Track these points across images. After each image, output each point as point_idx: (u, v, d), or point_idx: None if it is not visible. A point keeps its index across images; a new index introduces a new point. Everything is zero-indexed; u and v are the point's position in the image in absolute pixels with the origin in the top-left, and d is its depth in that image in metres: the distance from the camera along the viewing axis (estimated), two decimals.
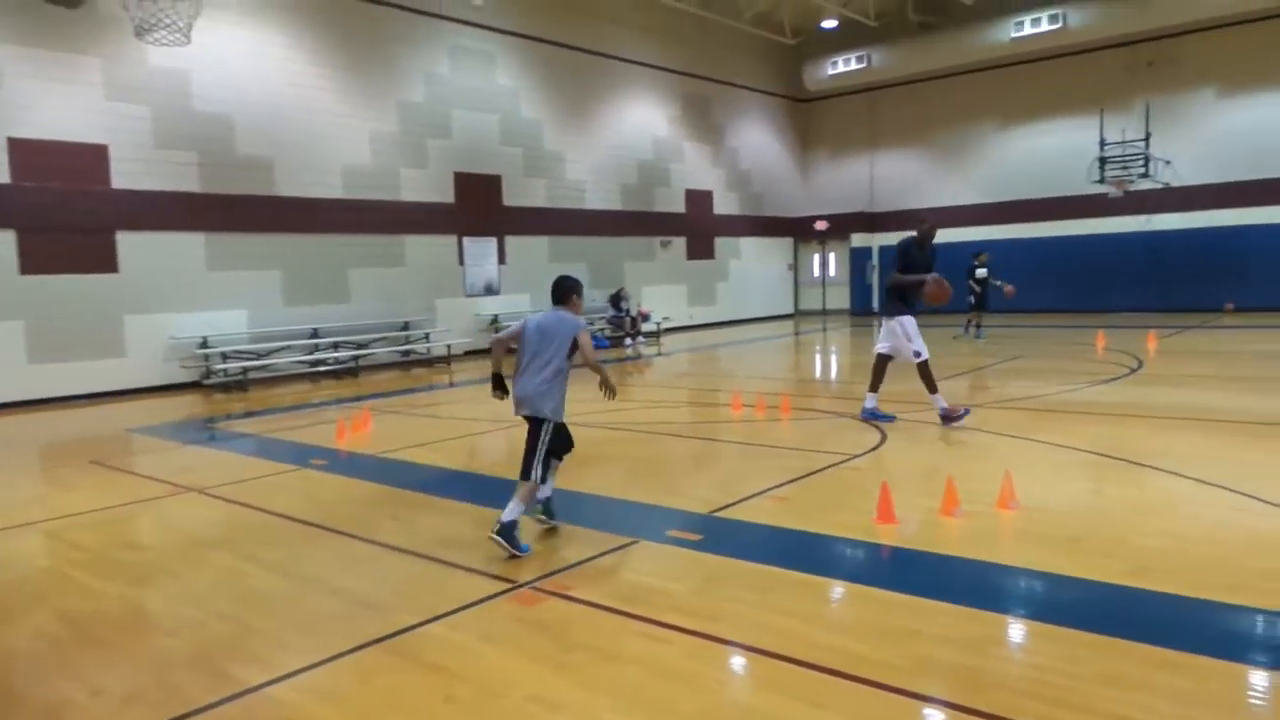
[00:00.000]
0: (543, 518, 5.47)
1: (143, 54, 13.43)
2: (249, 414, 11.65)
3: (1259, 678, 3.21)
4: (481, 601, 4.24)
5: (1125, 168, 21.61)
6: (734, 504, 5.81)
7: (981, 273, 17.89)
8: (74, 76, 13.02)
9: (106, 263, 13.44)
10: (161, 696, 3.39)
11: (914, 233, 8.98)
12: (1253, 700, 3.10)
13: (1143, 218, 22.55)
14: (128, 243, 13.64)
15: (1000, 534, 5.00)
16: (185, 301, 14.27)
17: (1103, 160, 21.63)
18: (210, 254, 14.59)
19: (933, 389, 8.35)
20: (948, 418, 8.20)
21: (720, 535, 5.22)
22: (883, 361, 8.81)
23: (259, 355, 14.88)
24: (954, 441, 7.69)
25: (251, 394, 13.71)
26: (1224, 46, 21.26)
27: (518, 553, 4.85)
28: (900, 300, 8.75)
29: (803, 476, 6.51)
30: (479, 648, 3.72)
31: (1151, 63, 22.19)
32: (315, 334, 15.83)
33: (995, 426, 8.18)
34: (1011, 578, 4.33)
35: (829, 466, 6.82)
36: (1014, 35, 22.64)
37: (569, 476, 6.98)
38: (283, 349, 15.27)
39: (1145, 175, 21.46)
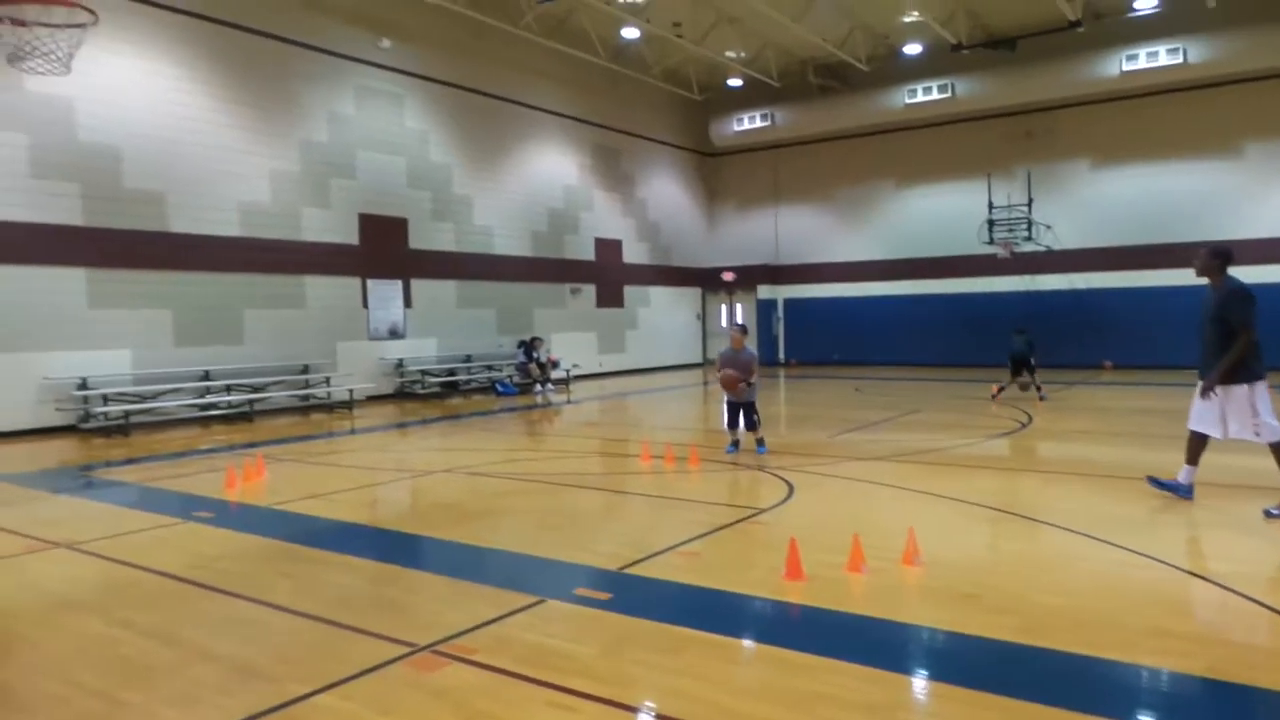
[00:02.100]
0: None
1: (20, 78, 12.72)
2: (130, 461, 10.94)
3: None
4: (378, 668, 4.02)
5: (1011, 230, 22.93)
6: (643, 560, 5.73)
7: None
8: None
9: None
10: None
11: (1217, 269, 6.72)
12: None
13: (1027, 278, 23.86)
14: None
15: (904, 591, 5.07)
16: (63, 340, 13.40)
17: (991, 222, 22.91)
18: (93, 291, 13.80)
19: None
20: None
21: (629, 594, 5.12)
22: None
23: (144, 398, 14.06)
24: (859, 496, 7.83)
25: (134, 439, 12.91)
26: (1097, 121, 22.91)
27: None
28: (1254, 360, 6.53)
29: (712, 531, 6.49)
30: (373, 719, 3.51)
31: (1030, 133, 23.70)
32: (207, 376, 15.10)
33: (898, 480, 8.38)
34: (915, 636, 4.38)
35: (738, 521, 6.83)
36: (907, 101, 23.89)
37: (471, 530, 6.78)
38: (171, 391, 14.49)
39: (1029, 238, 22.80)
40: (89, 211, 13.75)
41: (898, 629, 4.46)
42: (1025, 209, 23.12)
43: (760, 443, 10.24)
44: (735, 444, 10.29)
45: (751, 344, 10.85)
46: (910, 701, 3.68)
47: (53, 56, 6.98)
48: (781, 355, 28.17)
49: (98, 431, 13.32)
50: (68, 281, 13.53)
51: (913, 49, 23.36)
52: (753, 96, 26.33)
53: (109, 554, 6.25)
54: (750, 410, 10.24)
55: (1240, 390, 6.47)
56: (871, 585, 5.13)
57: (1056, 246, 23.33)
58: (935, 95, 23.39)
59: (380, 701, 3.68)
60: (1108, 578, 5.23)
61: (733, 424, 10.35)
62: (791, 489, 7.98)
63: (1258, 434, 6.48)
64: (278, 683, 3.88)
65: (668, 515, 7.29)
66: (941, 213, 25.14)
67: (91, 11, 7.42)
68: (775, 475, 8.68)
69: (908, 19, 21.11)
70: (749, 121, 26.84)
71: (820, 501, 7.58)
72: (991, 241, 23.16)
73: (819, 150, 27.22)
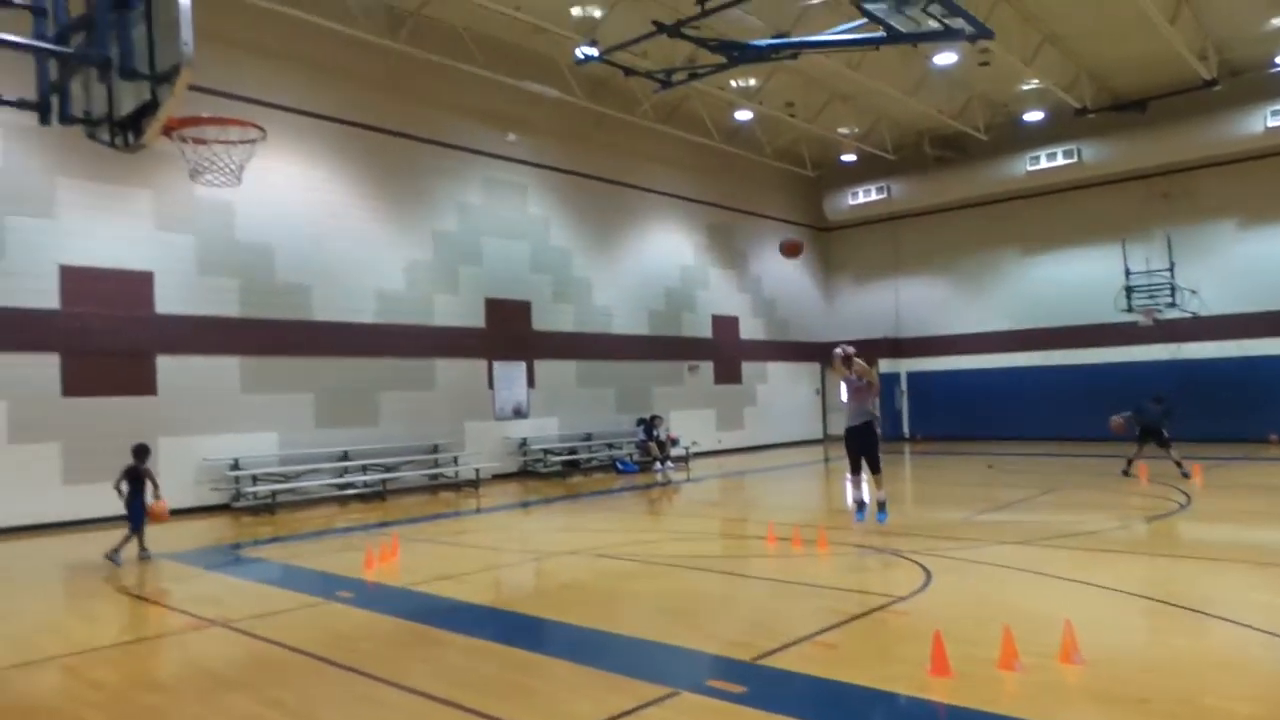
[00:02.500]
0: None
1: (191, 186, 14.04)
2: (276, 539, 11.51)
3: None
4: None
5: (1152, 296, 21.70)
6: (777, 650, 5.55)
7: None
8: (125, 208, 13.61)
9: (145, 385, 13.66)
10: None
11: None
12: None
13: (1173, 346, 22.42)
14: (167, 366, 13.90)
15: (1066, 692, 4.70)
16: (218, 424, 14.38)
17: (1129, 289, 21.78)
18: (245, 377, 14.81)
19: None
20: None
21: (764, 687, 4.95)
22: None
23: (288, 478, 14.85)
24: (1004, 583, 7.39)
25: (279, 517, 13.60)
26: (1242, 179, 21.63)
27: None
28: None
29: (847, 620, 6.24)
30: None
31: (1167, 194, 22.57)
32: (345, 456, 15.83)
33: (1045, 566, 7.87)
34: None
35: (875, 609, 6.55)
36: (1030, 169, 23.26)
37: (598, 613, 6.75)
38: (312, 471, 15.25)
39: (1173, 304, 21.52)
40: (244, 304, 14.88)
41: None
42: (1167, 273, 21.87)
43: (882, 508, 9.80)
44: (861, 506, 9.92)
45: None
46: None
47: (227, 170, 7.70)
48: (906, 430, 27.28)
49: (248, 510, 14.11)
50: (224, 369, 14.59)
51: (1034, 115, 22.85)
52: (867, 170, 26.25)
53: (260, 633, 6.53)
54: (873, 443, 9.78)
55: None
56: (1028, 684, 4.78)
57: (1204, 312, 21.89)
58: (1060, 161, 22.69)
59: None
60: None
61: (856, 467, 9.89)
62: (929, 575, 7.61)
63: None
64: None
65: (799, 602, 7.07)
66: (1072, 280, 24.09)
67: (261, 129, 8.19)
68: (909, 559, 8.31)
69: (1027, 86, 20.74)
70: (864, 195, 26.70)
71: (962, 589, 7.18)
72: (1130, 309, 21.95)
73: (938, 220, 26.73)
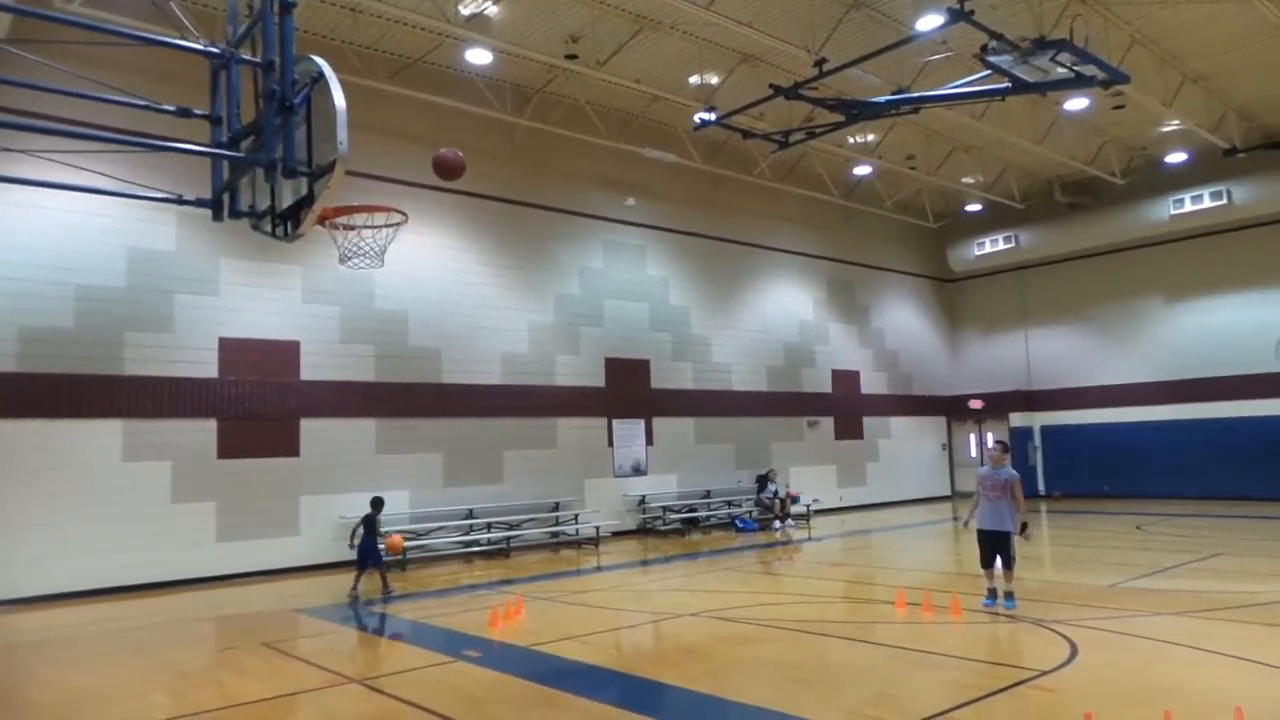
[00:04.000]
0: None
1: (335, 260, 15.04)
2: (407, 595, 11.92)
3: None
4: None
5: None
6: None
7: None
8: (278, 283, 14.70)
9: (289, 447, 14.56)
10: None
11: None
12: None
13: None
14: (309, 428, 14.78)
15: None
16: (355, 482, 15.11)
17: None
18: (380, 438, 15.56)
19: None
20: None
21: None
22: None
23: (419, 535, 15.41)
24: (1162, 659, 6.85)
25: (410, 574, 14.09)
26: None
27: None
28: None
29: (984, 696, 5.93)
30: None
31: None
32: (470, 514, 16.31)
33: (1207, 640, 7.25)
34: None
35: (1014, 684, 6.19)
36: (1173, 213, 22.02)
37: (721, 681, 6.65)
38: (440, 529, 15.78)
39: None
40: (380, 369, 15.71)
41: None
42: None
43: (1009, 596, 9.04)
44: (993, 593, 9.26)
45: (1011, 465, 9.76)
46: None
47: (372, 253, 8.26)
48: (1041, 487, 25.84)
49: (378, 567, 14.66)
50: (361, 430, 15.38)
51: (1176, 157, 21.72)
52: (993, 219, 25.49)
53: (395, 692, 6.76)
54: (1005, 544, 9.20)
55: None
56: None
57: None
58: (1207, 203, 21.36)
59: None
60: None
61: (987, 562, 9.33)
62: (1074, 647, 7.15)
63: None
64: None
65: (930, 673, 6.76)
66: (1222, 328, 22.48)
67: (404, 213, 8.80)
68: (1051, 629, 7.83)
69: (1168, 128, 19.76)
70: (990, 245, 25.87)
71: (1113, 664, 6.69)
72: None
73: (1071, 269, 25.57)
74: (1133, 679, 6.36)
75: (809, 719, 5.64)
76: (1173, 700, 5.24)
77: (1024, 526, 9.22)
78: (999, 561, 9.19)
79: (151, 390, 13.28)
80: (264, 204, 5.99)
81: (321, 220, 7.74)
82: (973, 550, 9.56)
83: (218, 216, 5.89)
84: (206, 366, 13.85)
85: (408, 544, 14.88)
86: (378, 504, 12.29)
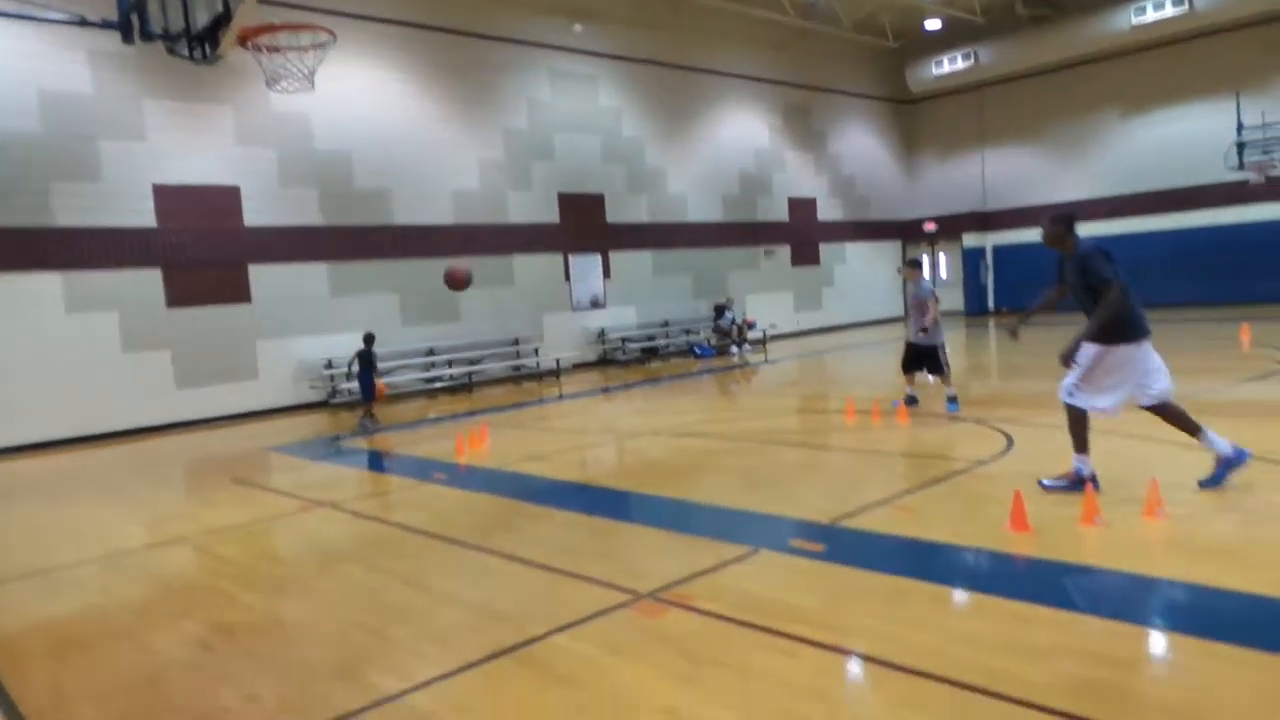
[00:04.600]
0: None
1: (268, 100, 14.25)
2: (361, 433, 12.13)
3: None
4: (605, 612, 4.27)
5: (1266, 152, 20.15)
6: (856, 513, 5.67)
7: None
8: (209, 125, 13.96)
9: (240, 294, 14.32)
10: (310, 704, 3.55)
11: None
12: None
13: None
14: (258, 274, 14.49)
15: (1148, 544, 4.70)
16: (311, 326, 15.03)
17: (1241, 145, 20.25)
18: (333, 281, 15.34)
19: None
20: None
21: (844, 545, 5.10)
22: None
23: (380, 374, 15.47)
24: (1091, 447, 7.28)
25: (376, 410, 14.26)
26: None
27: None
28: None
29: (926, 485, 6.31)
30: (605, 660, 3.74)
31: None
32: (431, 353, 16.40)
33: (1136, 429, 7.71)
34: (1163, 591, 4.06)
35: (954, 474, 6.58)
36: (1135, 21, 21.50)
37: (681, 487, 6.98)
38: (401, 368, 15.89)
39: None
40: (326, 212, 15.26)
41: (1143, 582, 4.15)
42: None
43: (952, 400, 9.42)
44: (912, 398, 9.81)
45: (929, 281, 10.17)
46: (1162, 656, 3.44)
47: (300, 76, 7.84)
48: (991, 304, 26.52)
49: (343, 405, 14.85)
50: (313, 275, 15.12)
51: None
52: (953, 36, 24.69)
53: (365, 512, 7.00)
54: (930, 356, 9.67)
55: (1122, 351, 5.55)
56: (1108, 538, 4.80)
57: None
58: (1169, 11, 20.82)
59: (610, 643, 3.91)
60: None
61: (907, 367, 9.90)
62: (1011, 441, 7.57)
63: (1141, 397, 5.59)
64: (517, 623, 4.22)
65: (877, 470, 7.15)
66: (1177, 140, 22.52)
67: (331, 32, 8.26)
68: (992, 428, 8.25)
69: None
70: (950, 63, 25.21)
71: (1045, 453, 7.11)
72: (1241, 166, 20.47)
73: (1030, 86, 25.13)
74: (1063, 463, 6.78)
75: (765, 513, 5.97)
76: (1098, 472, 5.62)
77: (924, 331, 9.73)
78: (923, 373, 9.82)
79: (88, 241, 12.83)
80: (178, 25, 5.58)
81: (242, 41, 7.26)
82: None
83: (128, 39, 5.50)
84: (144, 215, 13.35)
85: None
86: (369, 339, 12.34)
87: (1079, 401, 5.73)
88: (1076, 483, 5.67)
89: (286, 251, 14.78)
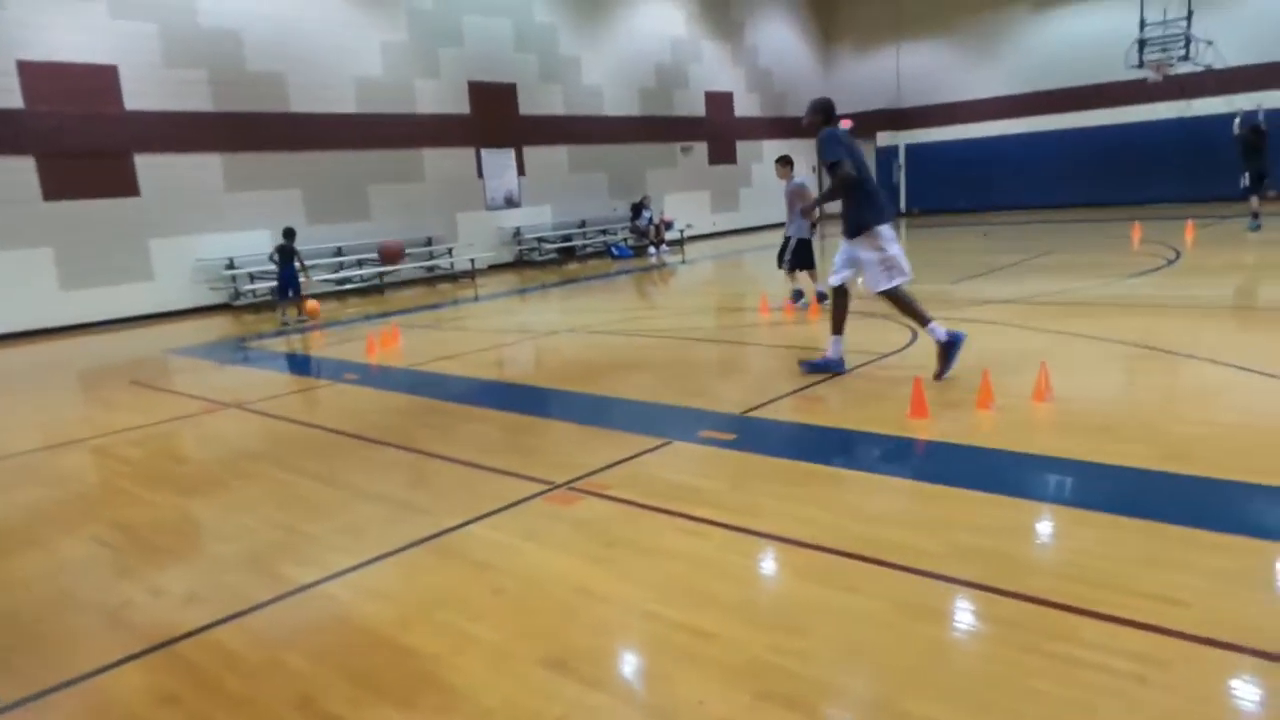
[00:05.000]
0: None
1: None
2: (278, 333, 11.77)
3: None
4: (520, 502, 4.32)
5: (1165, 50, 20.68)
6: (765, 404, 5.83)
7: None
8: None
9: (127, 186, 13.44)
10: (220, 596, 3.52)
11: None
12: None
13: (1182, 103, 21.69)
14: (145, 165, 13.60)
15: (1035, 425, 4.99)
16: (208, 223, 14.28)
17: (1142, 43, 20.71)
18: (228, 174, 14.52)
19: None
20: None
21: (753, 434, 5.25)
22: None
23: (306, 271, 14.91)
24: (987, 336, 7.61)
25: (278, 314, 13.80)
26: None
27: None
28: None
29: (834, 377, 6.50)
30: (521, 545, 3.81)
31: None
32: (339, 252, 15.84)
33: (1029, 321, 8.08)
34: (1046, 467, 4.33)
35: (860, 365, 6.80)
36: None
37: (597, 384, 7.03)
38: (309, 267, 15.29)
39: (1186, 58, 20.54)
40: (217, 97, 14.30)
41: (1029, 460, 4.42)
42: (1184, 24, 20.71)
43: (822, 297, 9.70)
44: (798, 293, 10.12)
45: (803, 176, 10.47)
46: (1046, 525, 3.69)
47: None
48: (903, 205, 27.02)
49: (247, 308, 14.31)
50: (206, 167, 14.27)
51: None
52: None
53: (274, 412, 6.84)
54: (801, 249, 10.00)
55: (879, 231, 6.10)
56: (1000, 421, 5.07)
57: (1218, 65, 20.96)
58: None
59: (526, 530, 3.98)
60: (1259, 407, 4.98)
61: (781, 260, 10.18)
62: (915, 335, 7.84)
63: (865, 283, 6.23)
64: (433, 515, 4.24)
65: (788, 363, 7.32)
66: (1084, 37, 22.91)
67: None
68: (899, 323, 8.52)
69: None
70: None
71: None
72: (1141, 65, 20.99)
73: None
74: (962, 354, 7.08)
75: (678, 405, 6.08)
76: (992, 364, 5.89)
77: (813, 226, 10.07)
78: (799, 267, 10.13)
79: None
80: None
81: None
82: (830, 263, 10.06)
83: None
84: (9, 95, 12.26)
85: (271, 284, 14.51)
86: (289, 234, 12.24)
87: (838, 281, 6.38)
88: (836, 363, 6.51)
89: (174, 140, 13.88)
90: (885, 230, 6.12)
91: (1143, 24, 20.68)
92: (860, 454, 4.83)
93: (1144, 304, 8.89)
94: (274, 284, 14.46)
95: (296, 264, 12.12)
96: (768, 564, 3.55)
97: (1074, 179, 23.17)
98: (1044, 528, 3.67)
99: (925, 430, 5.00)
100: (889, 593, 3.11)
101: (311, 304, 11.77)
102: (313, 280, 11.64)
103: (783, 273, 10.38)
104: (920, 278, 9.34)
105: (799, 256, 10.06)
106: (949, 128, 25.78)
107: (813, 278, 10.27)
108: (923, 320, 6.14)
